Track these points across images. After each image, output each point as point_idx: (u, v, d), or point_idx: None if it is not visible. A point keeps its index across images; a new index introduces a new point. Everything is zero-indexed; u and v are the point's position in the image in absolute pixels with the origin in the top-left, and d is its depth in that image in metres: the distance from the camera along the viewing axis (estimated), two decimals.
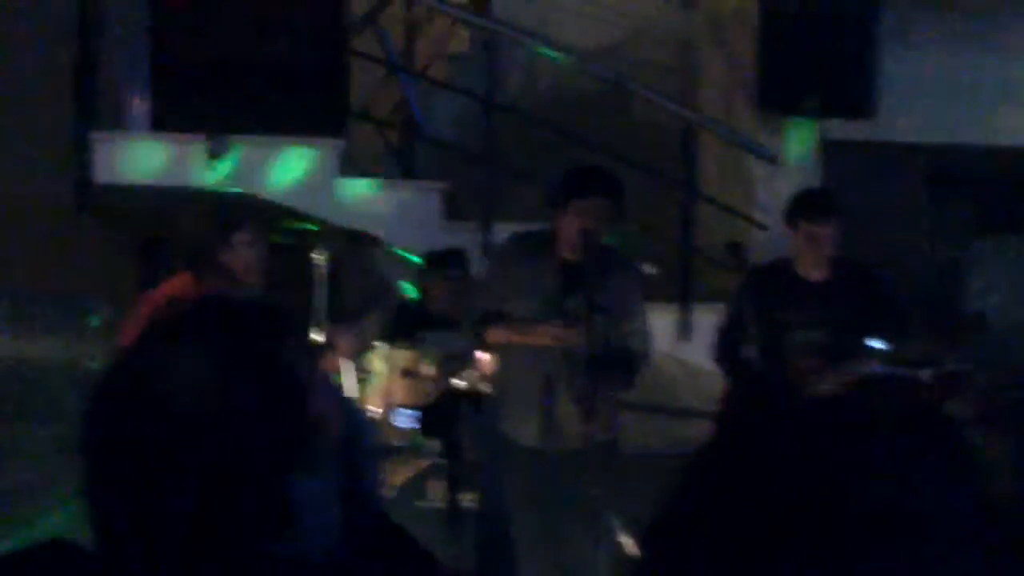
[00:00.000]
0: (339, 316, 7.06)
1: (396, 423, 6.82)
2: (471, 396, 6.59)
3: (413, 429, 6.77)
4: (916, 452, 3.06)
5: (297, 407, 1.74)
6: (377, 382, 6.85)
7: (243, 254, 5.50)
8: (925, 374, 6.04)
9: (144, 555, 1.67)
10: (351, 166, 8.61)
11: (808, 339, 6.32)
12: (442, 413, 6.52)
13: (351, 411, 3.03)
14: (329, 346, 5.82)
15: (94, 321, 8.28)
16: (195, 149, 8.17)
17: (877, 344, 6.21)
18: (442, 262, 7.50)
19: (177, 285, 5.53)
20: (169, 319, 1.84)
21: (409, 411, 6.77)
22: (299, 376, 1.77)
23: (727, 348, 6.58)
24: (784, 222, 6.53)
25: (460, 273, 7.46)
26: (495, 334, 6.00)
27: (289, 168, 8.29)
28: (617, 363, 5.93)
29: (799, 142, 8.77)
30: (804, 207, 6.50)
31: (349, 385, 6.63)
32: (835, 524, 1.45)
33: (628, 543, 5.93)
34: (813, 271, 6.43)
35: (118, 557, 1.68)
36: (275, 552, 1.72)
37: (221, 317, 1.80)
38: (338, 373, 6.54)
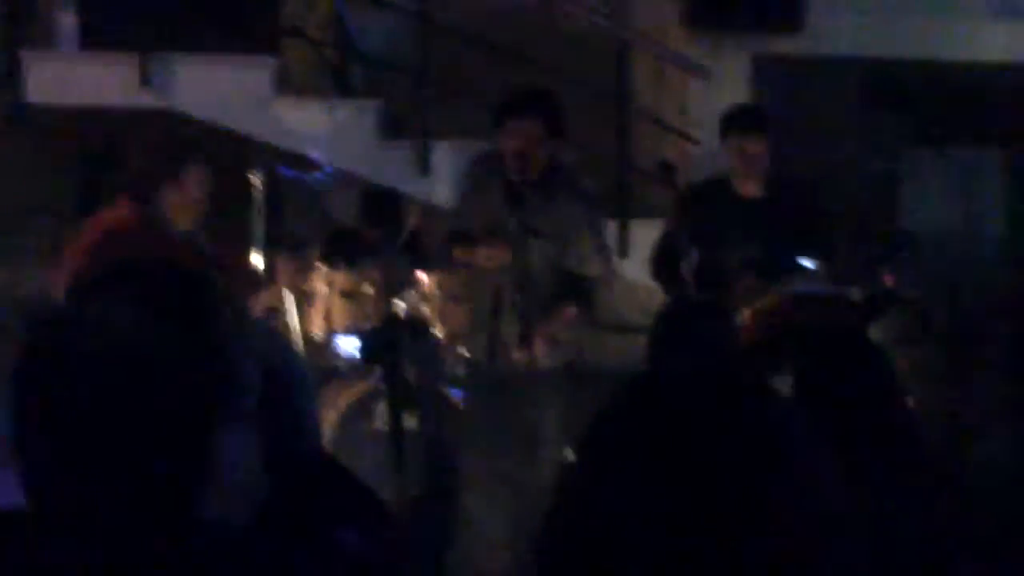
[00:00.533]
0: (279, 241, 7.07)
1: (338, 351, 6.87)
2: (412, 322, 6.65)
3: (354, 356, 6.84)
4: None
5: (215, 368, 1.78)
6: (318, 305, 6.90)
7: (190, 191, 5.47)
8: (855, 292, 6.15)
9: (69, 518, 1.71)
10: (285, 85, 8.57)
11: (744, 257, 6.40)
12: (383, 339, 6.57)
13: (283, 348, 3.06)
14: (270, 274, 5.83)
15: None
16: (126, 68, 8.10)
17: (807, 262, 6.30)
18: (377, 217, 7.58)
19: (117, 215, 5.51)
20: (90, 283, 1.87)
21: (350, 337, 6.83)
22: (217, 337, 1.80)
23: (664, 265, 6.66)
24: (719, 139, 6.61)
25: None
26: (457, 251, 6.11)
27: (223, 86, 8.24)
28: (567, 289, 6.00)
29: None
30: (735, 122, 6.59)
31: (290, 313, 6.67)
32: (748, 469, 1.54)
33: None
34: (749, 188, 6.51)
35: (46, 518, 1.71)
36: (197, 515, 1.75)
37: (138, 282, 1.82)
38: (279, 301, 6.57)
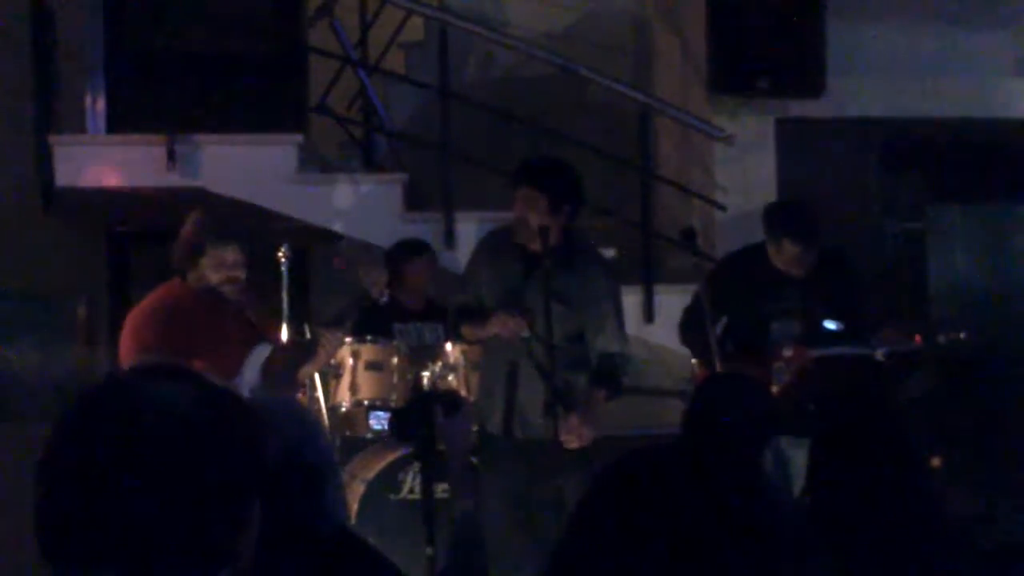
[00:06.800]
0: (309, 315, 7.11)
1: (369, 423, 6.88)
2: (443, 396, 6.64)
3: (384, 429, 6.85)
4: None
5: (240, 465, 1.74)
6: (344, 376, 6.91)
7: (208, 276, 5.60)
8: (880, 353, 6.12)
9: None
10: (311, 160, 8.64)
11: (785, 329, 6.34)
12: (415, 416, 6.56)
13: (310, 429, 3.08)
14: (311, 349, 5.86)
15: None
16: (153, 150, 8.18)
17: (832, 324, 6.29)
18: (407, 246, 7.65)
19: (166, 292, 5.68)
20: (125, 379, 1.84)
21: (382, 414, 6.84)
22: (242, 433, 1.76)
23: (693, 329, 6.52)
24: (764, 230, 6.48)
25: (427, 248, 7.61)
26: (465, 328, 6.09)
27: (249, 164, 8.31)
28: (599, 374, 5.98)
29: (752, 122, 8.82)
30: (790, 226, 6.40)
31: (317, 385, 6.68)
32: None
33: None
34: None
35: None
36: None
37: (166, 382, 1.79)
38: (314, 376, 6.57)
